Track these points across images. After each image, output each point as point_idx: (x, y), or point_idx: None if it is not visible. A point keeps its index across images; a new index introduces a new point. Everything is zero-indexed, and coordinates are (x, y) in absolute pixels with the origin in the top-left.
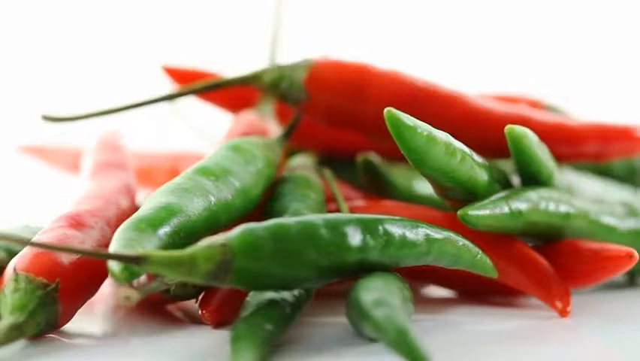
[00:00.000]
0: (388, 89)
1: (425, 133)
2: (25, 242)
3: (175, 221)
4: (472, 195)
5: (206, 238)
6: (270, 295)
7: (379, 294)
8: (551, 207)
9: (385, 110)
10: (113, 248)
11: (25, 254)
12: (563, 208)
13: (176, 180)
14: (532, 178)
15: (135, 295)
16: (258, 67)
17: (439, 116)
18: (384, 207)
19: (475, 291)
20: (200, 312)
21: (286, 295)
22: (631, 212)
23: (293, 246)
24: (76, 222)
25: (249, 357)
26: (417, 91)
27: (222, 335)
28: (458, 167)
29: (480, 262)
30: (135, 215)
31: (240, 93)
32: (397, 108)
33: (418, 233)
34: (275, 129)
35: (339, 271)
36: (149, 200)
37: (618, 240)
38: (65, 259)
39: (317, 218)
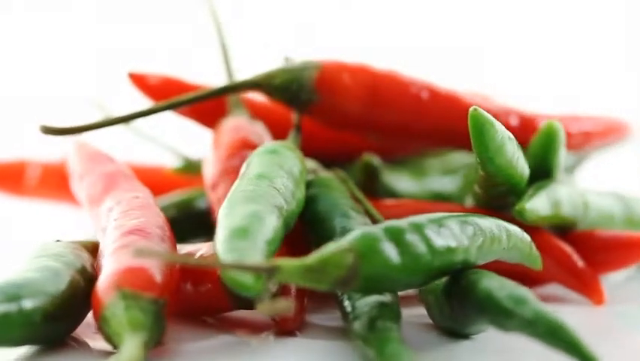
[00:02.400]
0: (394, 90)
1: (501, 132)
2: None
3: (266, 229)
4: (516, 190)
5: (329, 244)
6: (374, 298)
7: (511, 291)
8: (577, 200)
9: (471, 108)
10: (228, 259)
11: (121, 270)
12: (588, 201)
13: (246, 186)
14: (545, 172)
15: (290, 305)
16: (266, 69)
17: (440, 117)
18: (405, 206)
19: None
20: (274, 320)
21: (388, 294)
22: (622, 201)
23: (410, 248)
24: (147, 234)
25: (409, 358)
26: (419, 91)
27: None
28: (515, 164)
29: (533, 254)
30: (230, 225)
31: (210, 104)
32: (400, 108)
33: (500, 228)
34: (266, 133)
35: (445, 272)
36: (229, 208)
37: (617, 228)
38: (159, 273)
39: (421, 218)
